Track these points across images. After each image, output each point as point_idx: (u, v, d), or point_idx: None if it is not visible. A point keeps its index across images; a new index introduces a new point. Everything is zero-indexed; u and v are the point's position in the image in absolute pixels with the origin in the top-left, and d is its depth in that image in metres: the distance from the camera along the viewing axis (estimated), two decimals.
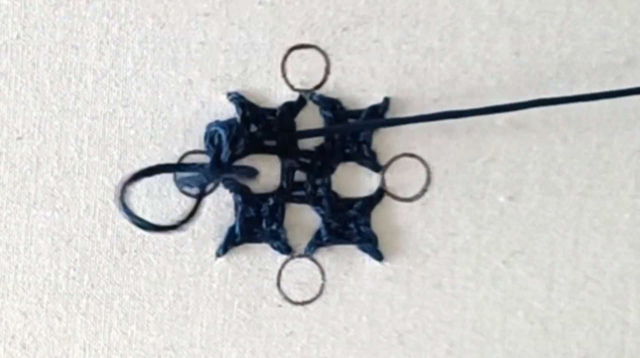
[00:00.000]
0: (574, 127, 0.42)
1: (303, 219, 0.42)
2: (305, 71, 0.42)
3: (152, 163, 0.42)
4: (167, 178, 0.42)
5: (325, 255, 0.42)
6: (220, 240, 0.42)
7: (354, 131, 0.42)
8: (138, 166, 0.42)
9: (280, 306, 0.42)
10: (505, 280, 0.43)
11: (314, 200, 0.42)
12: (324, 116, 0.42)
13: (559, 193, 0.42)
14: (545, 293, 0.43)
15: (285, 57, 0.42)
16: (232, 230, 0.42)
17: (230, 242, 0.42)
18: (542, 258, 0.42)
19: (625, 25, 0.42)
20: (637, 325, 0.43)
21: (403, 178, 0.42)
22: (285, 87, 0.42)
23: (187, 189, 0.42)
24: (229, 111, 0.42)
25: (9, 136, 0.42)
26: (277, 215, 0.42)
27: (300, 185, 0.42)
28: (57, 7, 0.42)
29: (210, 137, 0.41)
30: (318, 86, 0.42)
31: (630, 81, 0.42)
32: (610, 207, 0.43)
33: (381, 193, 0.42)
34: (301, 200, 0.42)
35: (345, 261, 0.42)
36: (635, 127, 0.43)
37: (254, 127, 0.42)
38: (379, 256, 0.42)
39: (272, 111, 0.42)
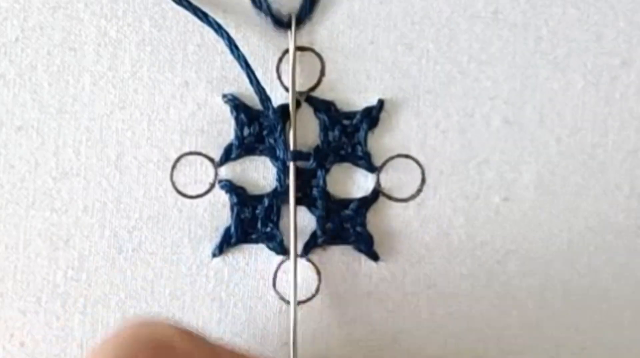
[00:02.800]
0: (568, 127, 0.42)
1: (299, 220, 0.42)
2: (300, 73, 0.42)
3: (149, 164, 0.42)
4: (164, 178, 0.42)
5: (321, 256, 0.42)
6: (216, 240, 0.42)
7: None
8: (135, 167, 0.42)
9: (276, 306, 0.43)
10: (499, 279, 0.43)
11: (308, 201, 0.42)
12: (319, 118, 0.42)
13: (553, 194, 0.43)
14: (540, 293, 0.43)
15: (280, 60, 0.42)
16: (227, 230, 0.42)
17: (226, 243, 0.42)
18: (537, 258, 0.43)
19: (620, 26, 0.42)
20: (631, 324, 0.43)
21: (398, 178, 0.42)
22: (280, 89, 0.42)
23: None
24: (225, 113, 0.42)
25: (8, 138, 0.42)
26: (272, 216, 0.42)
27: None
28: (55, 10, 0.42)
29: None
30: (313, 88, 0.42)
31: (625, 82, 0.42)
32: (605, 207, 0.43)
33: (376, 193, 0.42)
34: (296, 201, 0.42)
35: (341, 261, 0.42)
36: (630, 128, 0.43)
37: (248, 129, 0.42)
38: (374, 256, 0.42)
39: (266, 113, 0.42)
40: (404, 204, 0.43)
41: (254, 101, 0.42)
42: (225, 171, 0.42)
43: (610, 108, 0.43)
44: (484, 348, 0.43)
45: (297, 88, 0.42)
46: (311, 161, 0.42)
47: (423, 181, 0.42)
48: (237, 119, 0.42)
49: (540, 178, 0.42)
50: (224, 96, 0.42)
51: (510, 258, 0.43)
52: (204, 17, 0.41)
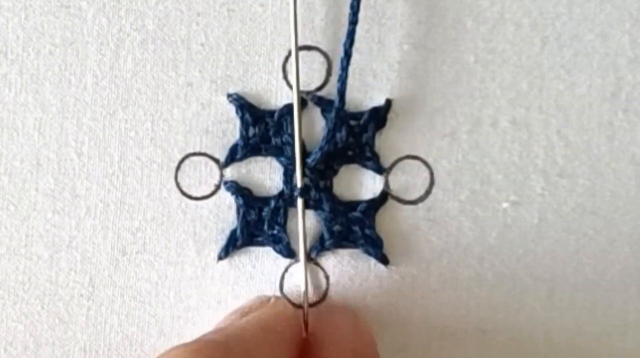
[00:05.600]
0: (575, 128, 0.42)
1: (307, 223, 0.42)
2: (307, 73, 0.42)
3: (152, 164, 0.42)
4: (168, 179, 0.42)
5: (329, 259, 0.42)
6: (221, 242, 0.42)
7: None
8: (138, 168, 0.42)
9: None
10: (507, 282, 0.42)
11: (315, 204, 0.42)
12: (325, 118, 0.42)
13: (560, 195, 0.42)
14: (547, 296, 0.42)
15: (286, 59, 0.42)
16: (233, 232, 0.42)
17: (232, 245, 0.42)
18: (544, 261, 0.42)
19: (626, 26, 0.42)
20: (637, 327, 0.43)
21: (406, 180, 0.42)
22: (286, 88, 0.42)
23: None
24: (229, 113, 0.42)
25: (9, 138, 0.42)
26: (278, 218, 0.42)
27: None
28: (57, 9, 0.41)
29: None
30: (319, 88, 0.42)
31: (631, 82, 0.42)
32: (612, 209, 0.43)
33: (385, 195, 0.42)
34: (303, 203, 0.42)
35: (350, 264, 0.42)
36: (636, 128, 0.42)
37: (254, 129, 0.42)
38: (384, 259, 0.42)
39: (272, 113, 0.42)
40: (413, 206, 0.42)
41: (259, 101, 0.42)
42: (230, 172, 0.42)
43: (617, 108, 0.42)
44: (492, 352, 0.43)
45: (304, 88, 0.42)
46: (319, 162, 0.41)
47: (432, 183, 0.42)
48: (242, 119, 0.42)
49: (547, 179, 0.42)
50: (229, 95, 0.42)
51: (519, 261, 0.42)
52: None
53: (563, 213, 0.42)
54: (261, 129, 0.42)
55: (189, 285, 0.42)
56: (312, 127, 0.42)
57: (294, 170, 0.41)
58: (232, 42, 0.42)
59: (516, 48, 0.42)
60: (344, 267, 0.42)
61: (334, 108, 0.41)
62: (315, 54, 0.42)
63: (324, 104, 0.42)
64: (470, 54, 0.42)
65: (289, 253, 0.42)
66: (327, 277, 0.42)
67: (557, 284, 0.43)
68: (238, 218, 0.42)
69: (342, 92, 0.41)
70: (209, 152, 0.42)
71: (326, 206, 0.42)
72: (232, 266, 0.42)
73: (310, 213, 0.42)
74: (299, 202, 0.41)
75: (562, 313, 0.43)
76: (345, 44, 0.41)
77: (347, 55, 0.40)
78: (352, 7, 0.41)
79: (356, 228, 0.42)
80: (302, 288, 0.41)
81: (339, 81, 0.40)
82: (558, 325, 0.43)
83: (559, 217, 0.42)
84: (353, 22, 0.41)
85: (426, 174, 0.42)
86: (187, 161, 0.42)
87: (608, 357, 0.43)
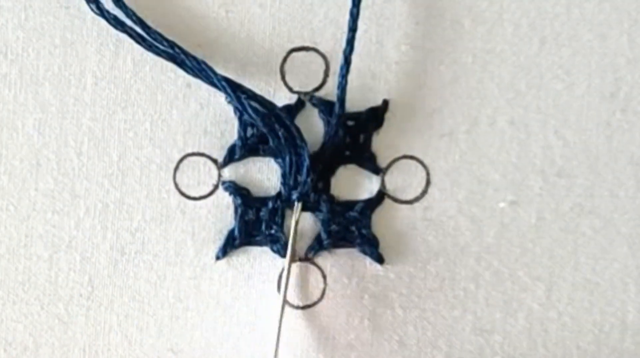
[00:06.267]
0: (573, 128, 0.42)
1: (304, 223, 0.42)
2: (305, 73, 0.42)
3: (151, 165, 0.42)
4: (168, 179, 0.42)
5: (326, 259, 0.42)
6: (219, 242, 0.42)
7: None
8: (137, 168, 0.42)
9: (280, 310, 0.42)
10: (505, 282, 0.42)
11: (312, 205, 0.42)
12: (323, 119, 0.42)
13: (559, 195, 0.42)
14: (545, 295, 0.42)
15: (284, 60, 0.42)
16: (231, 232, 0.42)
17: (230, 245, 0.42)
18: (542, 260, 0.42)
19: (624, 26, 0.42)
20: (636, 327, 0.43)
21: (403, 180, 0.42)
22: (284, 89, 0.42)
23: None
24: (228, 113, 0.42)
25: (9, 138, 0.42)
26: (276, 218, 0.42)
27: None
28: (57, 10, 0.42)
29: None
30: (317, 89, 0.42)
31: (630, 81, 0.42)
32: (610, 208, 0.42)
33: (382, 195, 0.42)
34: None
35: (347, 264, 0.42)
36: (635, 128, 0.42)
37: (252, 129, 0.42)
38: (380, 259, 0.42)
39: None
40: (409, 206, 0.42)
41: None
42: (228, 173, 0.42)
43: (615, 108, 0.42)
44: (489, 353, 0.43)
45: (301, 88, 0.42)
46: (316, 162, 0.41)
47: (428, 182, 0.42)
48: (240, 119, 0.42)
49: (545, 179, 0.42)
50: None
51: (516, 260, 0.42)
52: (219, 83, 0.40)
53: (561, 212, 0.42)
54: (259, 129, 0.42)
55: (187, 284, 0.42)
56: (310, 127, 0.42)
57: (291, 172, 0.41)
58: (229, 43, 0.42)
59: (514, 48, 0.42)
60: (341, 266, 0.42)
61: (334, 115, 0.41)
62: (313, 55, 0.42)
63: (322, 105, 0.42)
64: (469, 54, 0.42)
65: (286, 253, 0.42)
66: (324, 277, 0.42)
67: (555, 284, 0.42)
68: (236, 218, 0.42)
69: (342, 99, 0.41)
70: (207, 152, 0.42)
71: (323, 207, 0.42)
72: (230, 266, 0.42)
73: (307, 214, 0.42)
74: (297, 206, 0.41)
75: (561, 313, 0.43)
76: (345, 51, 0.41)
77: (347, 62, 0.41)
78: (351, 14, 0.41)
79: (353, 228, 0.42)
80: (282, 288, 0.41)
81: (338, 87, 0.41)
82: (556, 325, 0.43)
83: (557, 217, 0.42)
84: (352, 29, 0.41)
85: (423, 174, 0.42)
86: (185, 161, 0.42)
87: (607, 357, 0.43)
